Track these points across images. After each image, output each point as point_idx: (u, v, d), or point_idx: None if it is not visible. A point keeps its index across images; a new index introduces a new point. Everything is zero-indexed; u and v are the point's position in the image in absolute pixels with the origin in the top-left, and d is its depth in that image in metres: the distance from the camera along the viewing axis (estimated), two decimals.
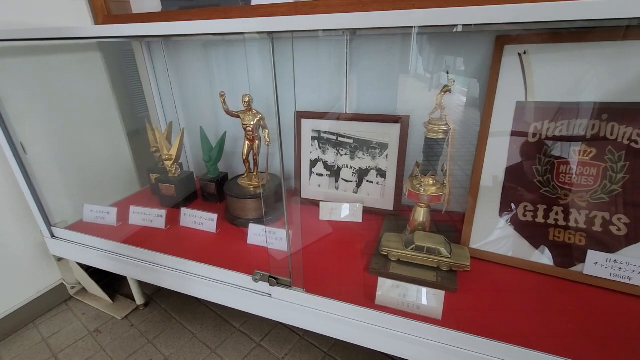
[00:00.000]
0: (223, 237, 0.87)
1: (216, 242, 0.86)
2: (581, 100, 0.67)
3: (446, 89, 0.67)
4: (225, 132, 1.02)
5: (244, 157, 0.91)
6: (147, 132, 1.06)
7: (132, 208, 0.93)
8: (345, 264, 0.76)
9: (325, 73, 0.93)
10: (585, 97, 0.67)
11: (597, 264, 0.66)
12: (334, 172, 0.97)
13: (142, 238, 0.89)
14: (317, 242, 0.84)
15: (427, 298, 0.61)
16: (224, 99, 0.84)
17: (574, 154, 0.68)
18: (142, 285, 1.00)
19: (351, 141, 0.93)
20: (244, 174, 0.96)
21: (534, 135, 0.71)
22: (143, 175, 1.19)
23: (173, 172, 0.99)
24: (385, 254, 0.75)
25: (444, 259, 0.70)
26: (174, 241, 0.87)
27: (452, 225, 0.86)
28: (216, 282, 0.72)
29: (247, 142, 0.89)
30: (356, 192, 0.96)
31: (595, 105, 0.66)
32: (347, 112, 0.93)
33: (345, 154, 0.94)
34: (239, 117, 0.87)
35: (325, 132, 0.95)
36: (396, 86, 0.90)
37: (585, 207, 0.68)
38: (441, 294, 0.60)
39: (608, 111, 0.65)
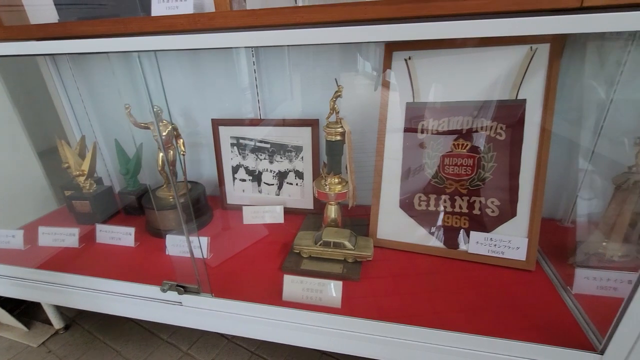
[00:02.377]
0: (142, 250, 0.86)
1: (134, 256, 0.84)
2: (457, 100, 0.76)
3: (337, 95, 0.72)
4: (142, 144, 1.00)
5: (159, 168, 0.90)
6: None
7: (41, 228, 0.88)
8: (262, 265, 0.79)
9: (238, 81, 0.95)
10: (460, 97, 0.75)
11: (478, 243, 0.75)
12: (256, 176, 0.99)
13: (54, 260, 0.85)
14: (237, 246, 0.86)
15: (327, 289, 0.66)
16: (129, 111, 0.83)
17: (454, 147, 0.77)
18: (62, 307, 0.95)
19: (268, 145, 0.96)
20: (163, 185, 0.96)
21: (422, 132, 0.79)
22: (59, 194, 1.13)
23: (87, 187, 0.96)
24: (298, 251, 0.79)
25: (348, 252, 0.75)
26: (88, 259, 0.84)
27: (365, 218, 0.92)
28: (128, 296, 0.72)
29: (160, 153, 0.89)
30: (278, 195, 1.00)
31: (468, 104, 0.75)
32: (262, 118, 0.96)
33: (265, 158, 0.97)
34: (148, 128, 0.86)
35: (243, 138, 0.97)
36: (308, 92, 0.94)
37: (466, 194, 0.77)
38: (339, 284, 0.65)
39: (477, 108, 0.74)
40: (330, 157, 0.78)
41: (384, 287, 0.71)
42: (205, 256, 0.81)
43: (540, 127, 0.70)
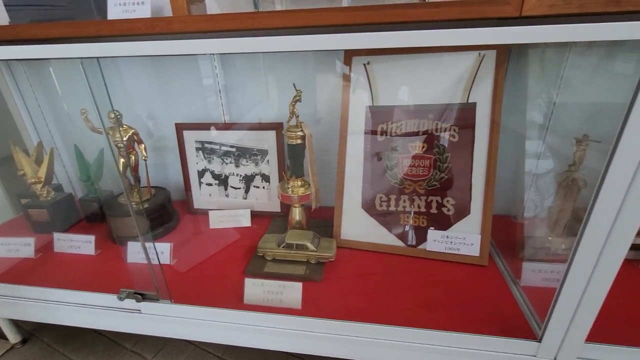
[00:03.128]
0: (102, 258, 0.84)
1: (94, 264, 0.82)
2: (413, 103, 0.78)
3: (295, 99, 0.73)
4: (103, 149, 0.98)
5: (121, 174, 0.88)
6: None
7: None
8: (226, 269, 0.79)
9: (202, 85, 0.95)
10: (416, 100, 0.78)
11: (435, 241, 0.78)
12: (222, 180, 0.99)
13: (8, 271, 0.81)
14: (202, 251, 0.85)
15: (288, 291, 0.67)
16: (85, 116, 0.81)
17: (411, 149, 0.79)
18: (19, 321, 0.92)
19: (234, 149, 0.96)
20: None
21: (382, 134, 0.81)
22: (16, 202, 1.09)
23: (45, 195, 0.93)
24: (262, 254, 0.79)
25: (311, 253, 0.76)
26: (45, 270, 0.81)
27: (330, 220, 0.93)
28: (86, 306, 0.70)
29: (121, 159, 0.87)
30: (245, 198, 1.00)
31: (424, 107, 0.78)
32: (226, 122, 0.96)
33: (230, 162, 0.97)
34: (108, 133, 0.84)
35: (208, 142, 0.96)
36: (272, 95, 0.95)
37: (424, 194, 0.79)
38: (299, 285, 0.66)
39: (432, 111, 0.77)
40: (292, 160, 0.79)
41: (346, 287, 0.72)
42: (168, 262, 0.80)
43: (490, 128, 0.74)
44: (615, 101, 0.78)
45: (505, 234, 0.83)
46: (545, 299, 0.64)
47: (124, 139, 0.85)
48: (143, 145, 0.88)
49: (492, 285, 0.71)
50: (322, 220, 0.93)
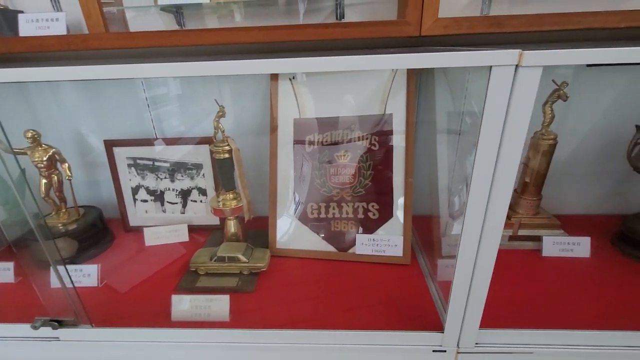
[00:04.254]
0: (23, 286, 0.80)
1: (12, 292, 0.78)
2: (337, 115, 0.83)
3: (219, 115, 0.74)
4: (24, 169, 0.93)
5: (43, 195, 0.84)
6: None
7: None
8: (158, 286, 0.78)
9: (131, 101, 0.94)
10: (339, 112, 0.83)
11: (363, 244, 0.82)
12: (158, 196, 0.98)
13: None
14: (134, 270, 0.83)
15: (216, 305, 0.68)
16: None
17: (337, 158, 0.83)
18: None
19: (167, 164, 0.95)
20: (51, 213, 0.90)
21: (310, 144, 0.85)
22: None
23: None
24: (194, 269, 0.79)
25: (243, 265, 0.78)
26: None
27: (267, 230, 0.95)
28: None
29: (43, 180, 0.83)
30: (183, 213, 0.99)
31: (347, 118, 0.82)
32: (158, 137, 0.95)
33: (165, 177, 0.96)
34: (25, 154, 0.81)
35: (140, 158, 0.95)
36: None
37: (350, 200, 0.84)
38: (226, 298, 0.67)
39: (354, 122, 0.82)
40: (221, 175, 0.81)
41: (278, 296, 0.74)
42: (95, 284, 0.78)
43: (405, 136, 0.80)
44: None
45: (428, 233, 0.90)
46: None
47: (44, 158, 0.81)
48: (67, 164, 0.85)
49: (413, 282, 0.76)
50: (260, 231, 0.94)
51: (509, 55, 0.37)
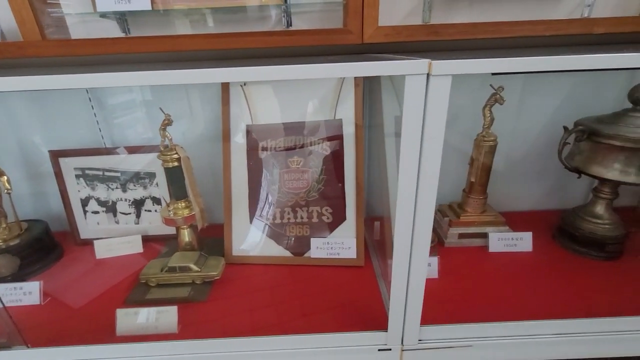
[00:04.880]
0: None
1: None
2: (289, 121, 0.84)
3: (165, 123, 0.73)
4: None
5: None
6: None
7: None
8: (105, 301, 0.75)
9: (78, 110, 0.90)
10: (291, 118, 0.84)
11: (318, 248, 0.83)
12: (110, 207, 0.95)
13: None
14: (82, 285, 0.80)
15: (163, 316, 0.66)
16: None
17: (290, 163, 0.84)
18: None
19: (119, 174, 0.92)
20: None
21: (263, 150, 0.85)
22: None
23: None
24: (144, 281, 0.77)
25: (195, 274, 0.77)
26: None
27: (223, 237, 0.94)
28: None
29: None
30: (138, 223, 0.96)
31: (298, 124, 0.83)
32: (107, 146, 0.92)
33: (117, 187, 0.93)
34: None
35: (89, 169, 0.92)
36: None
37: (305, 205, 0.85)
38: (174, 309, 0.66)
39: (306, 128, 0.83)
40: (170, 184, 0.79)
41: (232, 304, 0.74)
42: (37, 302, 0.74)
43: (355, 141, 0.82)
44: (456, 111, 0.92)
45: (380, 234, 0.92)
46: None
47: None
48: (5, 177, 0.80)
49: (366, 284, 0.77)
50: (218, 239, 0.93)
51: (420, 65, 0.39)
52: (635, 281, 0.75)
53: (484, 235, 0.87)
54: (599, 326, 0.64)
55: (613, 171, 0.73)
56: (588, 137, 0.75)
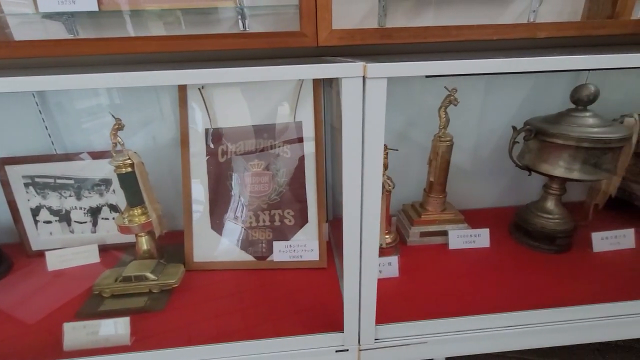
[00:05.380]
0: None
1: None
2: (249, 124, 0.83)
3: (116, 128, 0.71)
4: None
5: None
6: None
7: None
8: (55, 315, 0.72)
9: (23, 114, 0.86)
10: (251, 121, 0.83)
11: (280, 251, 0.83)
12: (63, 216, 0.90)
13: None
14: (31, 300, 0.76)
15: (114, 328, 0.64)
16: None
17: (251, 167, 0.83)
18: None
19: (72, 181, 0.88)
20: None
21: (223, 155, 0.84)
22: None
23: None
24: (98, 292, 0.74)
25: (152, 283, 0.74)
26: None
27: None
28: None
29: None
30: (94, 232, 0.93)
31: (259, 127, 0.83)
32: (58, 152, 0.88)
33: (70, 196, 0.89)
34: None
35: (39, 176, 0.87)
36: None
37: (267, 208, 0.84)
38: (127, 320, 0.64)
39: (266, 131, 0.82)
40: (125, 190, 0.77)
41: (191, 312, 0.72)
42: None
43: (315, 143, 0.82)
44: (410, 119, 0.94)
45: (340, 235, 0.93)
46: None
47: None
48: None
49: (328, 286, 0.78)
50: (179, 245, 0.91)
51: (355, 68, 0.40)
52: (582, 272, 0.79)
53: (445, 233, 0.90)
54: (548, 316, 0.67)
55: (559, 168, 0.77)
56: (535, 137, 0.79)
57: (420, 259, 0.86)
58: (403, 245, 0.91)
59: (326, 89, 0.85)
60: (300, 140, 0.82)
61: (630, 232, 0.85)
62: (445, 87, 0.81)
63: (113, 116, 0.70)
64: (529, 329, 0.66)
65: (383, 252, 0.84)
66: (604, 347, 0.86)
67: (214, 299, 0.75)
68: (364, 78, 0.40)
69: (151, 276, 0.74)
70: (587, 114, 0.75)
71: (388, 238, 0.84)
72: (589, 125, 0.73)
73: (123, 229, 0.77)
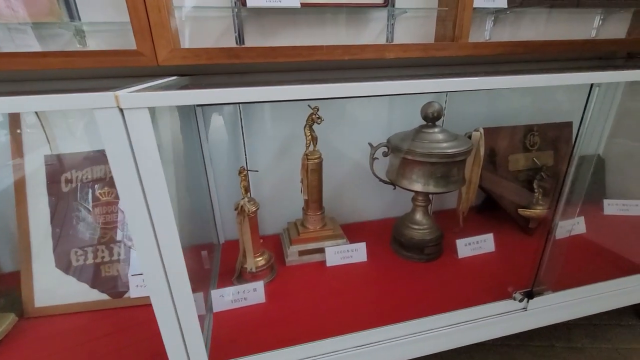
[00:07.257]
0: None
1: None
2: (96, 149, 0.76)
3: None
4: None
5: None
6: None
7: None
8: None
9: None
10: (98, 145, 0.76)
11: (138, 286, 0.76)
12: None
13: None
14: None
15: None
16: None
17: (101, 196, 0.76)
18: None
19: None
20: None
21: (67, 183, 0.75)
22: None
23: None
24: None
25: None
26: None
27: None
28: None
29: None
30: None
31: (104, 152, 0.76)
32: None
33: None
34: None
35: None
36: None
37: (120, 240, 0.77)
38: None
39: None
40: None
41: None
42: None
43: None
44: (290, 136, 0.93)
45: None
46: (230, 321, 0.69)
47: None
48: None
49: None
50: (10, 289, 0.78)
51: (105, 98, 0.36)
52: (447, 279, 0.83)
53: (323, 250, 0.89)
54: (415, 327, 0.67)
55: (415, 183, 0.80)
56: (393, 153, 0.81)
57: (296, 279, 0.84)
58: (282, 266, 0.88)
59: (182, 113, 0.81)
60: None
61: (490, 237, 0.92)
62: (308, 105, 0.81)
63: None
64: (396, 342, 0.66)
65: (255, 276, 0.81)
66: (472, 349, 0.90)
67: (57, 350, 0.66)
68: (120, 109, 0.37)
69: None
70: (436, 129, 0.80)
71: (261, 260, 0.81)
72: (436, 141, 0.77)
73: None
